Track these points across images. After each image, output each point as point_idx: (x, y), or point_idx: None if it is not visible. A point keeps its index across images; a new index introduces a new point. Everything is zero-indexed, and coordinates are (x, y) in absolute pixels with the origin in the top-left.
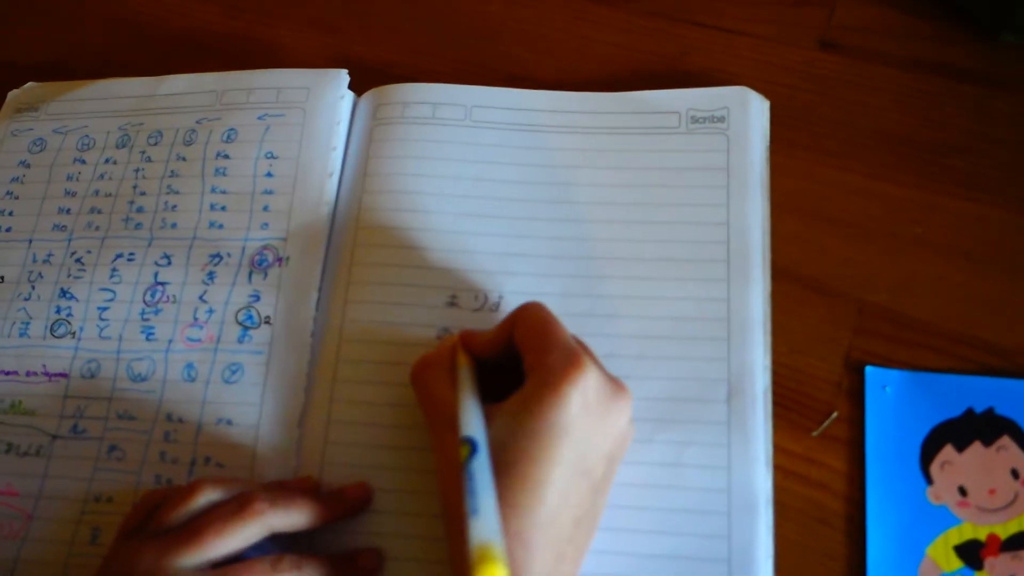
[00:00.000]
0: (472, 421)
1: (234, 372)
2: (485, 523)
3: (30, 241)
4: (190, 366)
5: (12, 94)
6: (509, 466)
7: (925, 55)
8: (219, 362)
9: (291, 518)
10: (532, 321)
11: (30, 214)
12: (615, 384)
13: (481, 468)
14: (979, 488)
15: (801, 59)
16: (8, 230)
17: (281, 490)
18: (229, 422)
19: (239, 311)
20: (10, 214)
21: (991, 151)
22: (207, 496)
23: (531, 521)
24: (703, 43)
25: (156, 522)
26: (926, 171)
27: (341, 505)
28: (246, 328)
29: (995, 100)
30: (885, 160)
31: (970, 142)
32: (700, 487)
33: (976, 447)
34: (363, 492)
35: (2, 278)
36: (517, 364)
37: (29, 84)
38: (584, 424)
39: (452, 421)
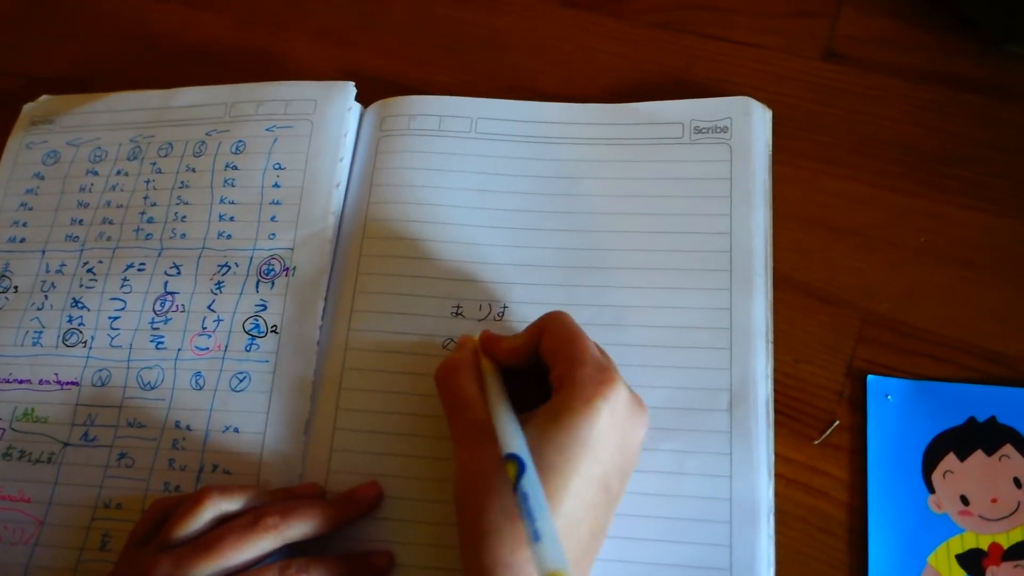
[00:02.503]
0: (514, 436)
1: (241, 380)
2: (550, 549)
3: (43, 251)
4: (198, 374)
5: (27, 107)
6: None
7: (929, 65)
8: (226, 370)
9: (305, 527)
10: (560, 332)
11: (43, 225)
12: (638, 401)
13: (533, 488)
14: (981, 497)
15: (804, 69)
16: (22, 241)
17: (293, 500)
18: (236, 430)
19: (246, 320)
20: (24, 225)
21: (996, 160)
22: (214, 504)
23: None
24: (707, 54)
25: (166, 533)
26: (930, 180)
27: (352, 506)
28: (253, 337)
29: (1000, 110)
30: (889, 169)
31: (975, 151)
32: (702, 496)
33: (978, 456)
34: (373, 491)
35: (16, 288)
36: (535, 369)
37: (43, 97)
38: (609, 439)
39: (481, 429)
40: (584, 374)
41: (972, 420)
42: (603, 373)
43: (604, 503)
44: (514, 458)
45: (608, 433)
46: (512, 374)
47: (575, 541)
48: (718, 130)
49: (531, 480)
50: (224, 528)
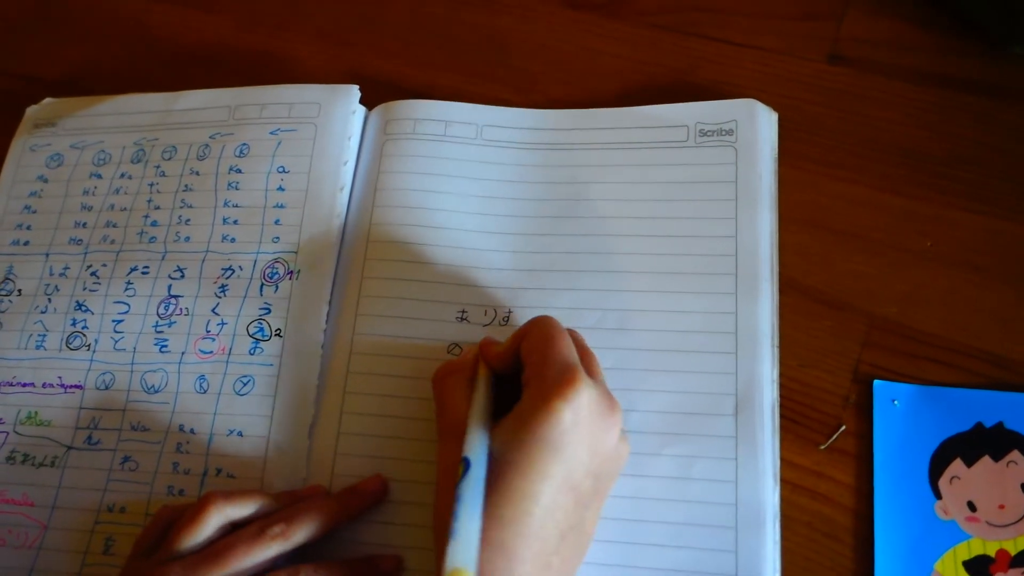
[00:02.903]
0: (473, 440)
1: (245, 384)
2: (461, 548)
3: (47, 255)
4: (202, 378)
5: (30, 110)
6: (498, 478)
7: (933, 67)
8: (230, 374)
9: (311, 529)
10: (537, 334)
11: (47, 228)
12: (609, 401)
13: (470, 490)
14: (988, 503)
15: (809, 72)
16: (26, 244)
17: (297, 506)
18: (240, 433)
19: (250, 324)
20: (28, 228)
21: (1000, 163)
22: (219, 510)
23: (515, 532)
24: (712, 56)
25: (171, 543)
26: (935, 183)
27: (357, 499)
28: (257, 340)
29: (1004, 112)
30: (893, 172)
31: (979, 154)
32: (708, 501)
33: (985, 462)
34: (377, 483)
35: (19, 291)
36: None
37: (47, 100)
38: (574, 440)
39: (459, 430)
40: (547, 375)
41: (979, 426)
42: (566, 373)
43: (572, 504)
44: (464, 460)
45: (572, 434)
46: (510, 380)
47: (539, 541)
48: (723, 133)
49: (470, 482)
50: (232, 538)
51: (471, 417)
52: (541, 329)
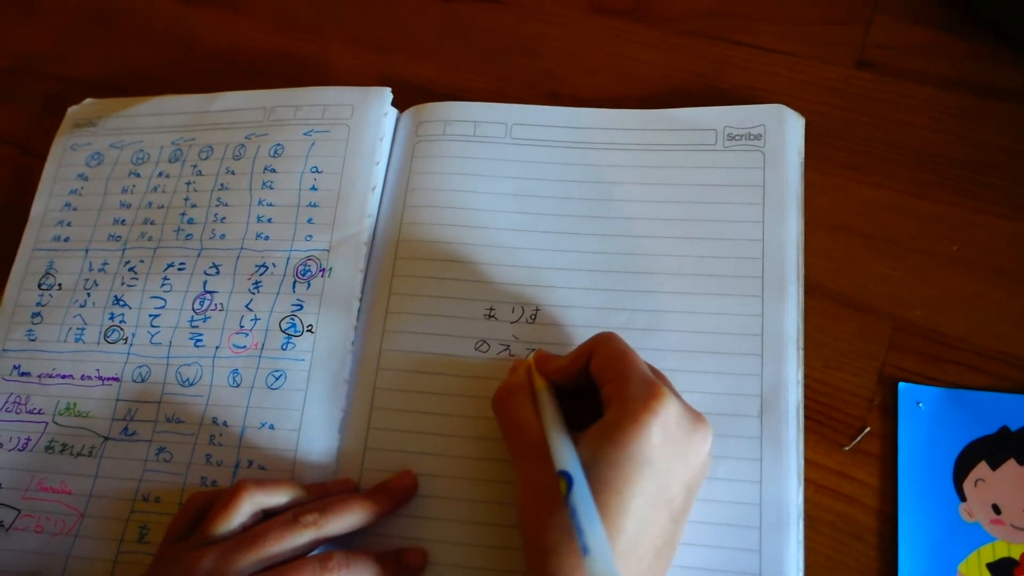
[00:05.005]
0: (564, 452)
1: (277, 378)
2: (600, 560)
3: (87, 250)
4: (235, 372)
5: (71, 110)
6: None
7: (961, 73)
8: (263, 368)
9: (344, 522)
10: (609, 352)
11: (87, 225)
12: (695, 415)
13: (583, 502)
14: (1013, 506)
15: (837, 77)
16: (66, 240)
17: (332, 498)
18: (272, 426)
19: (283, 319)
20: (68, 224)
21: None
22: (251, 497)
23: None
24: (740, 61)
25: (206, 528)
26: (962, 188)
27: (390, 497)
28: (289, 336)
29: None
30: (921, 177)
31: (1006, 160)
32: (732, 501)
33: (1010, 465)
34: (408, 480)
35: (60, 285)
36: (589, 389)
37: (87, 100)
38: (665, 454)
39: (536, 448)
40: (631, 391)
41: (1004, 429)
42: (650, 388)
43: (667, 519)
44: (563, 474)
45: (663, 449)
46: (569, 395)
47: (636, 559)
48: (751, 137)
49: (580, 494)
50: (266, 524)
51: (550, 431)
52: (612, 346)
